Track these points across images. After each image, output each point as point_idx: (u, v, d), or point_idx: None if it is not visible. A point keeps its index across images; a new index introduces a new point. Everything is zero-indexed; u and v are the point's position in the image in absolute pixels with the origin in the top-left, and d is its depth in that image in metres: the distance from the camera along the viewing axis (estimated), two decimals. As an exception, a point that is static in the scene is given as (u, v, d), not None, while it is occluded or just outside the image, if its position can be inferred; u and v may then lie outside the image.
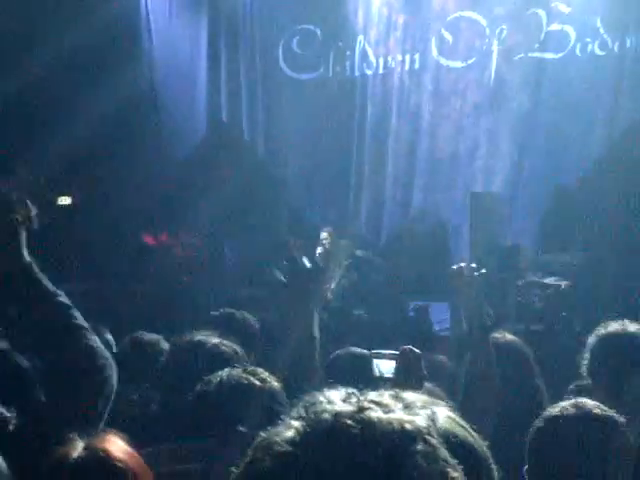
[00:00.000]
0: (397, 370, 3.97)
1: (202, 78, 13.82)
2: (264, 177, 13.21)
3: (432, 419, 1.42)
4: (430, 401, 1.53)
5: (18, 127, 11.09)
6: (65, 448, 2.47)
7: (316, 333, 4.73)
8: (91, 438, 2.50)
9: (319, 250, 10.11)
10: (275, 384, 3.32)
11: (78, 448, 2.46)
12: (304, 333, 4.51)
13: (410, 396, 1.46)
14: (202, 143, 13.40)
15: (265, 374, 3.35)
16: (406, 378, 3.85)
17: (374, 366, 4.23)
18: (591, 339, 4.25)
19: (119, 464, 2.42)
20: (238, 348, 4.18)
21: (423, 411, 1.40)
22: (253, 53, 13.78)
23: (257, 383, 3.27)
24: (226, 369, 3.37)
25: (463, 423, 1.59)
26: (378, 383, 4.14)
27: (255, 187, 12.79)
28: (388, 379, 4.13)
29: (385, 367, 4.11)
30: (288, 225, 12.75)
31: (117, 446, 2.51)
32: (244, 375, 3.30)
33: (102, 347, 3.06)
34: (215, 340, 4.13)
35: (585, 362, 4.22)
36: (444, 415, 1.56)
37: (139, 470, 2.47)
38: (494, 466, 1.60)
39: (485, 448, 1.60)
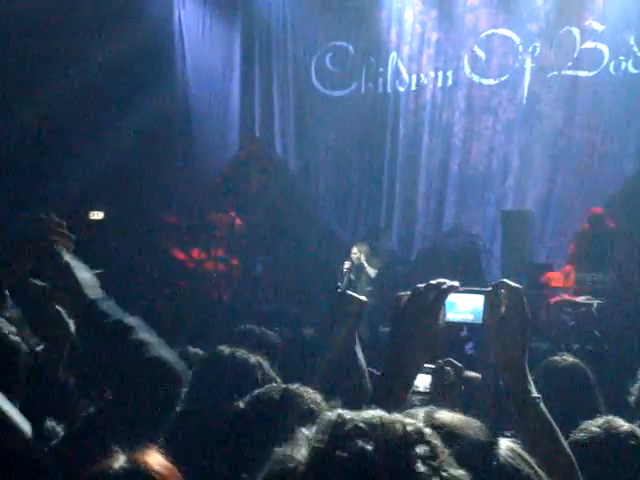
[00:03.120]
0: (433, 385, 3.86)
1: (235, 94, 13.91)
2: (296, 192, 13.24)
3: (493, 450, 1.35)
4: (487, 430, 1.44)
5: (53, 143, 11.18)
6: (107, 460, 2.51)
7: (359, 354, 4.73)
8: (132, 451, 2.53)
9: (347, 265, 10.13)
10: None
11: (120, 460, 2.49)
12: (346, 352, 4.50)
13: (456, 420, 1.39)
14: (234, 158, 13.46)
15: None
16: (442, 394, 3.75)
17: None
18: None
19: (159, 477, 2.45)
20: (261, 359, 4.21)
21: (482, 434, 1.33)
22: (286, 70, 13.85)
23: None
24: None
25: (528, 458, 1.51)
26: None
27: (286, 202, 12.83)
28: (422, 393, 4.02)
29: (421, 381, 3.98)
30: (319, 241, 12.75)
31: (157, 460, 2.54)
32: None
33: (172, 359, 3.17)
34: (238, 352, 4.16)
35: (634, 395, 4.15)
36: (507, 448, 1.48)
37: None
38: None
39: None
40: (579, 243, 11.03)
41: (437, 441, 1.29)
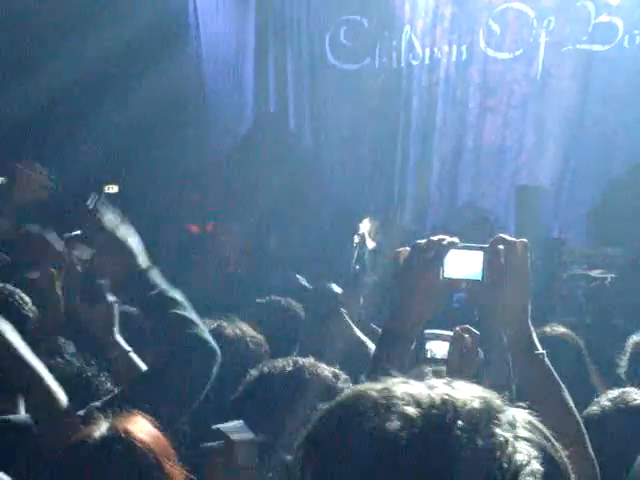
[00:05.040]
0: (451, 353, 3.83)
1: (249, 70, 13.89)
2: (310, 168, 13.24)
3: (511, 424, 1.31)
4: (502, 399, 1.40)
5: (65, 118, 11.22)
6: (89, 427, 2.52)
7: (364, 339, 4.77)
8: (116, 418, 2.54)
9: (356, 240, 10.14)
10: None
11: (102, 427, 2.50)
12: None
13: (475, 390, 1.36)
14: (249, 135, 13.46)
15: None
16: (460, 362, 3.74)
17: (425, 348, 4.08)
18: (630, 344, 4.19)
19: (140, 444, 2.45)
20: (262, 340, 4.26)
21: (503, 415, 1.31)
22: (300, 44, 13.81)
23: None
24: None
25: (545, 430, 1.44)
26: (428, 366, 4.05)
27: (301, 178, 12.82)
28: (439, 361, 4.00)
29: (438, 349, 3.97)
30: (333, 216, 12.75)
31: (141, 427, 2.53)
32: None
33: (207, 339, 3.24)
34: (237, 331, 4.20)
35: (623, 367, 4.16)
36: (525, 420, 1.41)
37: (162, 452, 2.49)
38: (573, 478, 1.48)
39: (565, 459, 1.46)
40: (592, 216, 11.03)
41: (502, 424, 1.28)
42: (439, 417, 1.26)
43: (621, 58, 11.98)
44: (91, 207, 3.59)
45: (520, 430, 1.28)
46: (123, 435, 2.46)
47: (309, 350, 4.39)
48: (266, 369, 3.25)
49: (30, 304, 3.77)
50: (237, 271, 11.57)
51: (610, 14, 12.08)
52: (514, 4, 12.72)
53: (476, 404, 1.28)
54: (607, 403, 3.24)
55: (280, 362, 3.26)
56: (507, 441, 1.25)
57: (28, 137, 10.67)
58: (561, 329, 4.75)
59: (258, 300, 5.77)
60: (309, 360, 3.26)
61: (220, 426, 2.75)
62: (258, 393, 3.18)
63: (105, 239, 3.38)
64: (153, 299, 3.29)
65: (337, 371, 3.24)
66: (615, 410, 3.20)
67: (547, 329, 4.61)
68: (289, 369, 3.21)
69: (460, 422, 1.25)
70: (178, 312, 3.27)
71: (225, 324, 4.28)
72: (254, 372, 3.27)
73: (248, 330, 4.34)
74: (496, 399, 1.36)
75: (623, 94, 11.85)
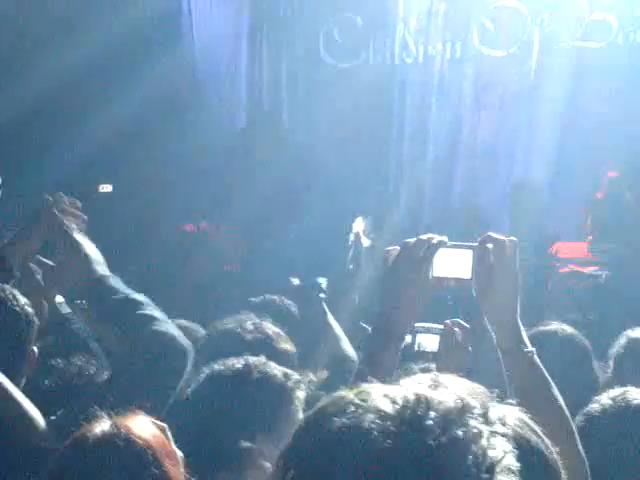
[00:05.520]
0: (440, 346, 3.81)
1: (243, 67, 13.87)
2: (304, 166, 13.22)
3: (501, 421, 1.31)
4: (491, 397, 1.41)
5: (59, 116, 11.20)
6: (90, 424, 2.53)
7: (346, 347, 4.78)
8: (119, 416, 2.55)
9: (352, 237, 10.12)
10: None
11: (103, 425, 2.51)
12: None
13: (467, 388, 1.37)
14: (243, 133, 13.44)
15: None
16: (450, 355, 3.72)
17: (415, 341, 4.05)
18: (623, 339, 4.17)
19: (141, 442, 2.46)
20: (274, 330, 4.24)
21: (493, 412, 1.30)
22: (294, 42, 13.80)
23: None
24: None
25: (535, 427, 1.48)
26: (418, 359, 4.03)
27: (295, 177, 12.81)
28: (429, 354, 3.98)
29: (428, 342, 3.95)
30: (326, 214, 12.74)
31: (142, 425, 2.54)
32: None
33: (178, 335, 3.25)
34: (249, 326, 4.18)
35: (610, 368, 4.14)
36: (515, 417, 1.43)
37: (162, 450, 2.50)
38: (564, 475, 1.50)
39: (556, 455, 1.49)
40: (593, 212, 11.04)
41: (484, 421, 1.27)
42: (412, 412, 1.25)
43: (615, 55, 11.99)
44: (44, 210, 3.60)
45: (497, 426, 1.27)
46: (124, 432, 2.47)
47: (299, 349, 4.39)
48: (216, 367, 3.25)
49: (23, 302, 3.74)
50: (232, 270, 11.57)
51: (604, 11, 12.09)
52: (508, 1, 12.72)
53: (451, 400, 1.27)
54: (608, 401, 3.22)
55: (231, 361, 3.26)
56: (481, 435, 1.24)
57: (13, 138, 10.65)
58: (567, 328, 4.71)
59: (252, 299, 5.77)
60: (259, 359, 3.25)
61: None
62: (207, 392, 3.18)
63: (67, 249, 3.41)
64: (117, 302, 3.30)
65: (288, 371, 3.24)
66: (616, 409, 3.18)
67: (554, 327, 4.57)
68: (237, 367, 3.20)
69: (433, 414, 1.24)
70: (144, 312, 3.28)
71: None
72: (206, 370, 3.27)
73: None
74: (483, 396, 1.35)
75: (617, 91, 11.86)
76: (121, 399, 2.84)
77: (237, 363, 3.21)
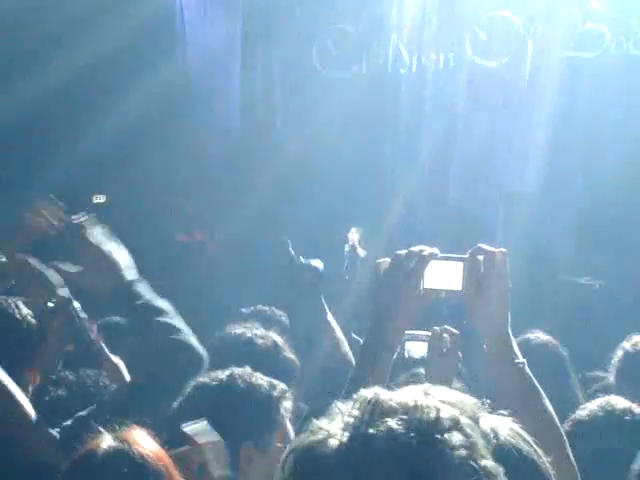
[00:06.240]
0: (429, 353, 3.80)
1: (236, 76, 13.87)
2: (297, 175, 13.22)
3: (494, 431, 1.34)
4: (481, 407, 1.41)
5: (51, 125, 11.17)
6: (95, 440, 2.54)
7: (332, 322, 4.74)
8: (119, 432, 2.56)
9: (346, 248, 10.12)
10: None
11: (107, 440, 2.52)
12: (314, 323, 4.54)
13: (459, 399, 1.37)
14: (236, 141, 13.44)
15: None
16: (438, 362, 3.71)
17: (404, 348, 4.04)
18: (618, 354, 4.18)
19: (149, 455, 2.47)
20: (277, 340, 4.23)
21: (484, 422, 1.32)
22: (287, 51, 13.80)
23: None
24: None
25: (527, 437, 1.48)
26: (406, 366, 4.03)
27: (288, 184, 12.81)
28: (417, 360, 3.98)
29: (416, 349, 3.94)
30: (320, 223, 12.74)
31: (145, 441, 2.56)
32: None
33: (193, 345, 3.28)
34: (250, 334, 4.19)
35: (611, 376, 4.14)
36: (507, 427, 1.44)
37: (163, 465, 2.51)
38: None
39: (548, 465, 1.50)
40: (584, 224, 11.05)
41: (473, 431, 1.28)
42: (407, 422, 1.26)
43: (608, 65, 12.02)
44: (76, 223, 3.62)
45: (488, 436, 1.28)
46: (132, 446, 2.49)
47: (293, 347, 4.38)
48: (202, 379, 3.25)
49: (25, 312, 3.74)
50: (225, 276, 11.57)
51: (597, 21, 12.12)
52: (501, 12, 12.74)
53: (440, 410, 1.27)
54: (595, 408, 3.25)
55: (216, 373, 3.27)
56: (470, 444, 1.24)
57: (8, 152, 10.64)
58: (544, 337, 4.73)
59: (243, 310, 5.77)
60: (245, 370, 3.24)
61: (186, 429, 2.72)
62: (193, 403, 3.18)
63: (91, 255, 3.43)
64: (138, 308, 3.33)
65: (274, 381, 3.24)
66: (603, 415, 3.21)
67: (531, 336, 4.60)
68: (222, 378, 3.20)
69: (422, 424, 1.26)
70: (163, 319, 3.30)
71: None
72: (192, 382, 3.27)
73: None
74: (474, 406, 1.35)
75: (610, 101, 11.89)
76: (140, 407, 2.85)
77: (221, 374, 3.21)
